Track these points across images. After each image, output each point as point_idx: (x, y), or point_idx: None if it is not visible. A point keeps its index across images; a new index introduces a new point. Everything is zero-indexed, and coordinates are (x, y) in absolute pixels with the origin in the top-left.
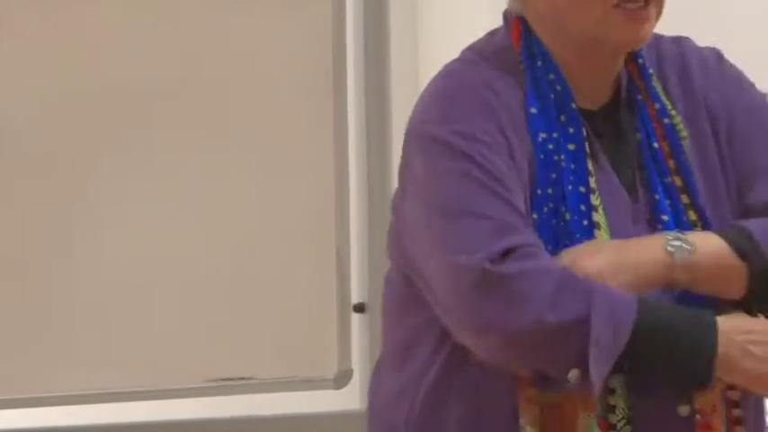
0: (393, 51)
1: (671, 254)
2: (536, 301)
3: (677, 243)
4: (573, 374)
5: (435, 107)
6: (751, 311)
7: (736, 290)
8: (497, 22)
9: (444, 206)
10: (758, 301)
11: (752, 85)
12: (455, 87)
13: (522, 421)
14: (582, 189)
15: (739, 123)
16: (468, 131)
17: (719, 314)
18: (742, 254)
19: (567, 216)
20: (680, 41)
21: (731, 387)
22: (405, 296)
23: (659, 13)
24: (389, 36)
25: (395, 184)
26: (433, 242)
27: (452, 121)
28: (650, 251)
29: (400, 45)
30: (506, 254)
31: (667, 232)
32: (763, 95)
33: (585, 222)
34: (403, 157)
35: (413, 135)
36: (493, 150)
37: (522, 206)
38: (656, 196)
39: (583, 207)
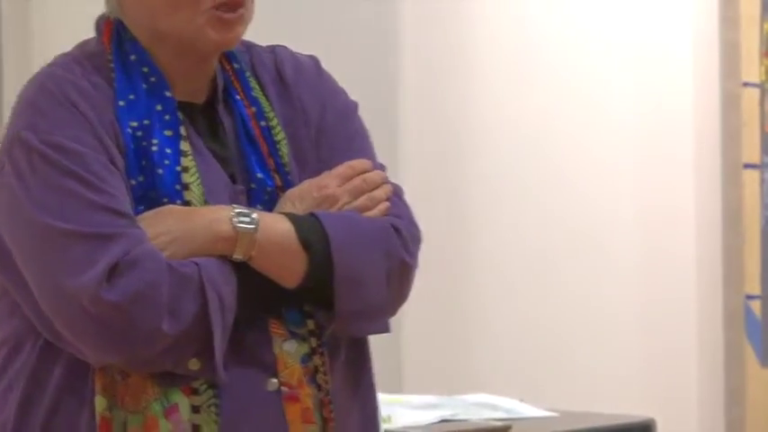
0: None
1: (231, 226)
2: (152, 320)
3: (243, 218)
4: (193, 366)
5: (27, 114)
6: (306, 301)
7: (293, 277)
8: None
9: (43, 224)
10: (314, 293)
11: (343, 92)
12: (45, 94)
13: (96, 390)
14: (177, 168)
15: (328, 127)
16: (61, 142)
17: (274, 299)
18: (306, 243)
19: (165, 200)
20: (274, 50)
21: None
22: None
23: (249, 18)
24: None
25: None
26: (37, 264)
27: (44, 132)
28: (215, 222)
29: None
30: (111, 273)
31: (238, 206)
32: (353, 102)
33: (179, 202)
34: None
35: (8, 140)
36: (87, 158)
37: (126, 207)
38: (253, 186)
39: (177, 187)
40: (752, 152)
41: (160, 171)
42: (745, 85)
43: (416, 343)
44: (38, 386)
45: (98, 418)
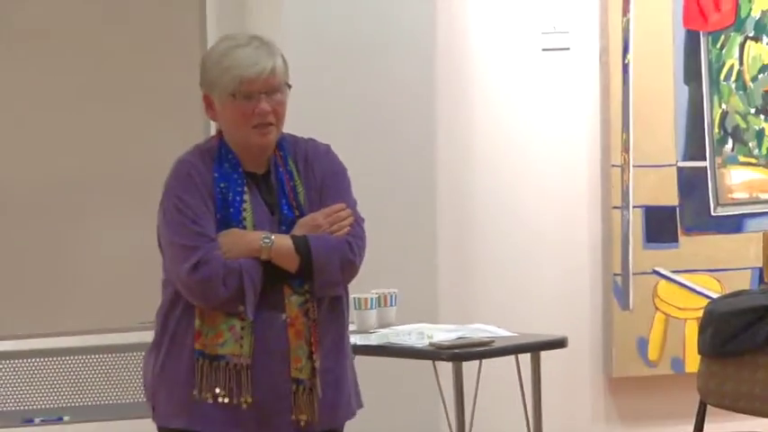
0: None
1: (260, 243)
2: (216, 289)
3: (266, 239)
4: (240, 309)
5: (169, 181)
6: (303, 280)
7: (293, 267)
8: None
9: (169, 238)
10: (305, 276)
11: (339, 164)
12: (177, 171)
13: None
14: (241, 209)
15: (326, 183)
16: (181, 198)
17: (283, 278)
18: (299, 251)
19: (233, 225)
20: (308, 141)
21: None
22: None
23: (279, 128)
24: None
25: None
26: (166, 257)
27: (173, 191)
28: (251, 241)
29: None
30: (196, 265)
31: (265, 233)
32: (343, 169)
33: (239, 227)
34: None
35: (163, 193)
36: (192, 206)
37: (209, 231)
38: (282, 218)
39: (240, 218)
40: (617, 200)
41: (231, 210)
42: (614, 166)
43: (445, 293)
44: (173, 314)
45: (195, 329)
